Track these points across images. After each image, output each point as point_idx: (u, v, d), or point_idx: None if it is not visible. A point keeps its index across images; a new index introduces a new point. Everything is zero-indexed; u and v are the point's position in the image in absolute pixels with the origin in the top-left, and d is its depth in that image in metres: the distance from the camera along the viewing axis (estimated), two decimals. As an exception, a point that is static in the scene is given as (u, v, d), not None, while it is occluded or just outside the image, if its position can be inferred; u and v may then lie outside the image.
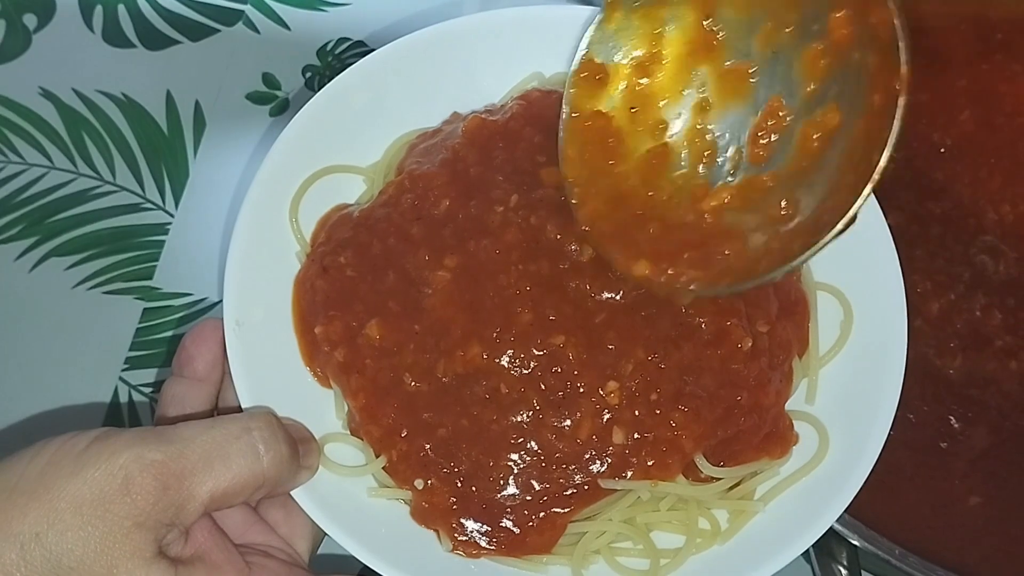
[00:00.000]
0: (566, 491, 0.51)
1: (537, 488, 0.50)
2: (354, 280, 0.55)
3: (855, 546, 0.55)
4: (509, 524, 0.50)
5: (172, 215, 0.74)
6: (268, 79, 0.79)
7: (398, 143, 0.61)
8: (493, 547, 0.50)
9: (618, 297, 0.52)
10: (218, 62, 0.79)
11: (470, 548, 0.50)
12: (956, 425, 0.62)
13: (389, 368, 0.52)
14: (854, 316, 0.55)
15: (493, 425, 0.51)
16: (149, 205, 0.75)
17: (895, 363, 0.52)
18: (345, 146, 0.59)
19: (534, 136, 0.58)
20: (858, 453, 0.50)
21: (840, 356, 0.55)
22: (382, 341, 0.53)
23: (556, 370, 0.51)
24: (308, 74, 0.79)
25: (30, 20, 0.80)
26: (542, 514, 0.50)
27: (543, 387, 0.51)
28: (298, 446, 0.48)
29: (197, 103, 0.78)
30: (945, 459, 0.62)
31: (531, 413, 0.51)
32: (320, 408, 0.54)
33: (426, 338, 0.52)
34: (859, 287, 0.56)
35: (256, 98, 0.78)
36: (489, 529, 0.50)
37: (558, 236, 0.53)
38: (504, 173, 0.56)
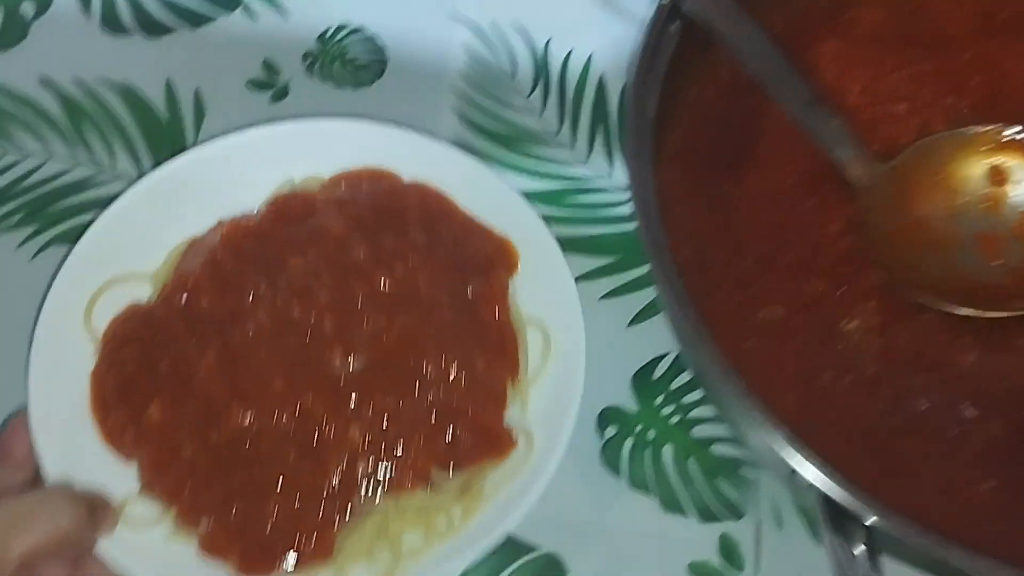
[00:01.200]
0: (330, 515, 0.63)
1: (303, 521, 0.63)
2: (134, 372, 0.67)
3: (869, 527, 0.55)
4: (287, 551, 0.63)
5: (173, 202, 0.74)
6: (268, 65, 0.80)
7: (176, 250, 0.73)
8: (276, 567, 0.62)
9: (354, 359, 0.66)
10: (217, 49, 0.79)
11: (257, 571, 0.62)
12: (969, 415, 0.62)
13: (171, 440, 0.65)
14: (551, 343, 0.70)
15: (258, 478, 0.63)
16: (149, 193, 0.76)
17: (576, 377, 0.67)
18: (132, 255, 0.71)
19: (283, 231, 0.72)
20: (550, 450, 0.65)
21: (543, 376, 0.70)
22: (163, 419, 0.65)
23: (308, 427, 0.64)
24: (308, 60, 0.81)
25: (27, 8, 0.80)
26: (314, 537, 0.63)
27: (298, 442, 0.64)
28: (96, 509, 0.60)
29: (197, 90, 0.79)
30: (958, 445, 0.61)
31: (289, 465, 0.63)
32: (122, 477, 0.65)
33: (198, 414, 0.65)
34: (556, 320, 0.71)
35: (256, 84, 0.79)
36: (268, 556, 0.63)
37: (298, 313, 0.67)
38: (256, 266, 0.70)
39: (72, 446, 0.64)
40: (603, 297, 0.77)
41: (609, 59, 0.86)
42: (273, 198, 0.74)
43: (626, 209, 0.80)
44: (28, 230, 0.76)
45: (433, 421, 0.65)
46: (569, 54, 0.87)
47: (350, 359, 0.66)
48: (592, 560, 0.68)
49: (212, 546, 0.63)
